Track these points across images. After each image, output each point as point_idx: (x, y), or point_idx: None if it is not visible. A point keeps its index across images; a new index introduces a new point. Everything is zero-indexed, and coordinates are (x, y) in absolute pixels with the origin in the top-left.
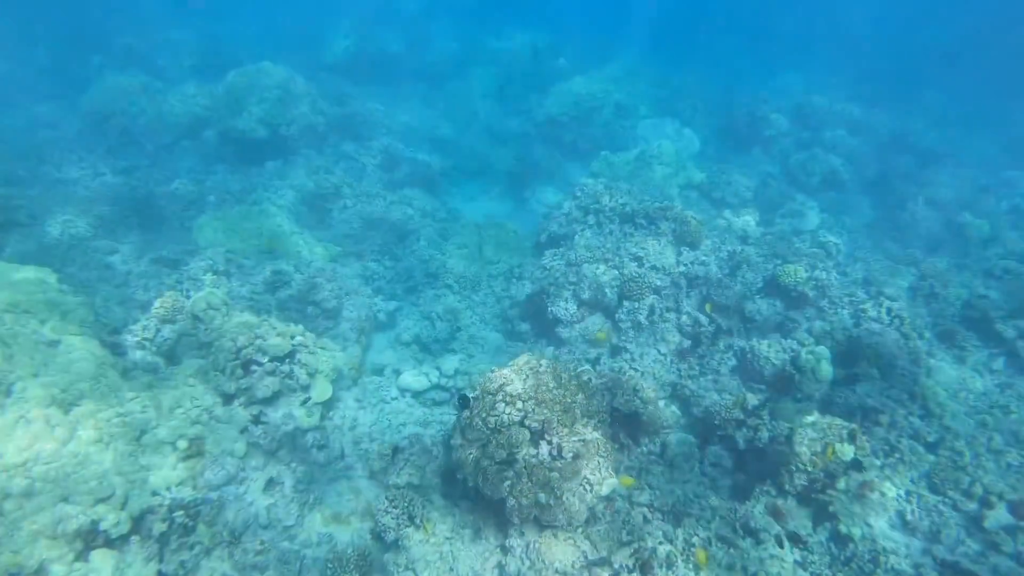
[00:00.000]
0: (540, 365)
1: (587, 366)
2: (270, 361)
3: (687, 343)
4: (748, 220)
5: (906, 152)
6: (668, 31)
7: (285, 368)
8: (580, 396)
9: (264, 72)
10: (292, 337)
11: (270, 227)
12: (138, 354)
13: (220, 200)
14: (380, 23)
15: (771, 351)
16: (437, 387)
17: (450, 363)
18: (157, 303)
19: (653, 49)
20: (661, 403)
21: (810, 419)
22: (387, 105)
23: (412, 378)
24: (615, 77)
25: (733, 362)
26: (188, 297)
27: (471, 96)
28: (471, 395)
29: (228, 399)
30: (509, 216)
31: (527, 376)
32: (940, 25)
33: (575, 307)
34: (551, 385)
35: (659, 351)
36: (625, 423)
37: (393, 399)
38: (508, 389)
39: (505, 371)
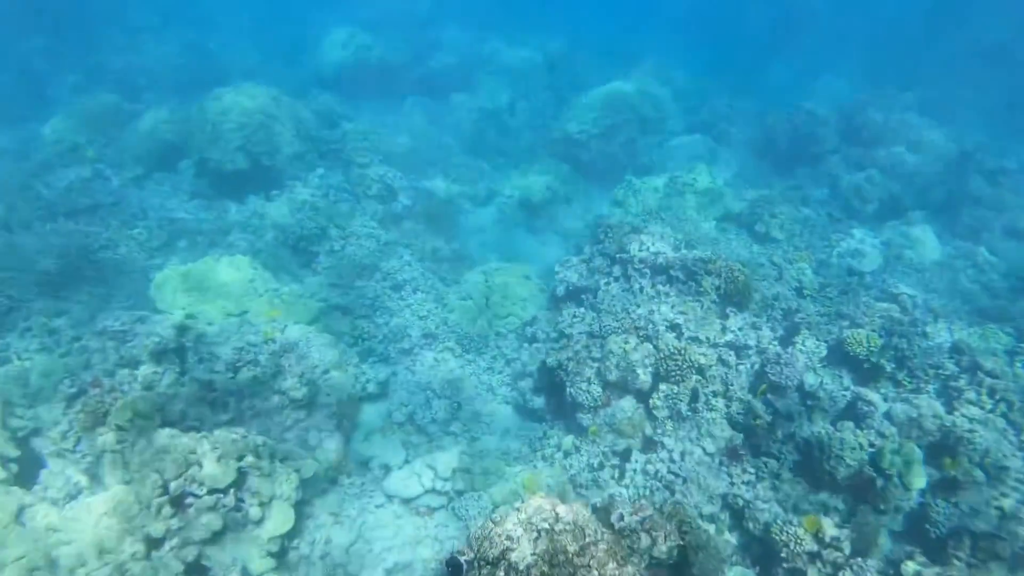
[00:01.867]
0: (556, 517)
1: (619, 492)
2: (210, 493)
3: (738, 437)
4: (803, 268)
5: (975, 172)
6: (693, 34)
7: (230, 500)
8: (611, 565)
9: (245, 94)
10: (240, 459)
11: (238, 282)
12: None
13: (191, 244)
14: (381, 29)
15: (844, 448)
16: (432, 491)
17: (447, 460)
18: (79, 404)
19: (677, 54)
20: (713, 528)
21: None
22: (386, 123)
23: (401, 482)
24: (638, 88)
25: (796, 457)
26: (123, 393)
27: (480, 111)
28: (463, 559)
29: (156, 543)
30: (521, 249)
31: (538, 536)
32: (987, 15)
33: (600, 389)
34: (571, 551)
35: (704, 449)
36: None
37: (378, 507)
38: (512, 557)
39: (509, 524)
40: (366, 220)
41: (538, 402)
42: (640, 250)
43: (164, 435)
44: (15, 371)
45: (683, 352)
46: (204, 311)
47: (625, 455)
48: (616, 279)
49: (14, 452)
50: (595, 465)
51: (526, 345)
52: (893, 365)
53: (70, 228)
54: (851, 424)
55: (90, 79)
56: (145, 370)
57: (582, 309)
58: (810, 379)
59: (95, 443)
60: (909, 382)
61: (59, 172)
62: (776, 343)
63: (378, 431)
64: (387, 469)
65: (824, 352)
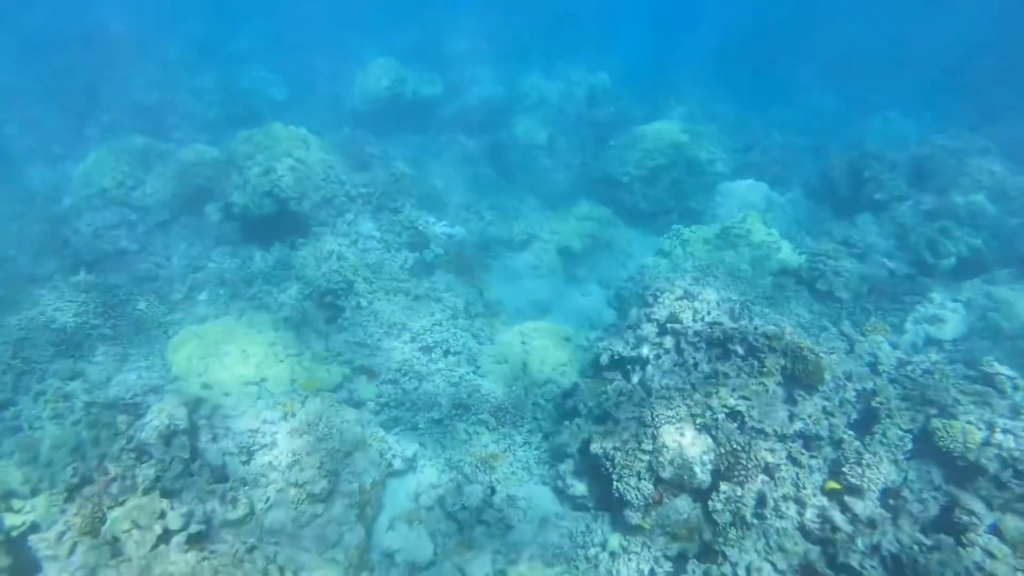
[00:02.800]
0: None
1: None
2: None
3: (815, 551)
4: (879, 340)
5: None
6: (736, 63)
7: None
8: None
9: (273, 135)
10: None
11: (258, 346)
12: None
13: (212, 297)
14: (416, 61)
15: (946, 570)
16: None
17: (480, 566)
18: (76, 505)
19: (721, 85)
20: None
21: None
22: (419, 162)
23: None
24: (684, 127)
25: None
26: (126, 486)
27: (517, 148)
28: None
29: None
30: (560, 300)
31: None
32: None
33: (651, 487)
34: None
35: (775, 567)
36: None
37: None
38: None
39: None
40: (395, 271)
41: (580, 488)
42: (695, 320)
43: (162, 551)
44: (25, 442)
45: (747, 448)
46: (221, 379)
47: (680, 562)
48: (667, 351)
49: (5, 560)
50: (646, 573)
51: (567, 423)
52: (996, 465)
53: (91, 282)
54: (950, 540)
55: (124, 116)
56: (147, 469)
57: (629, 385)
58: (894, 477)
59: (89, 558)
60: (1019, 486)
61: (86, 216)
62: (852, 434)
63: (404, 518)
64: (413, 567)
65: (909, 445)
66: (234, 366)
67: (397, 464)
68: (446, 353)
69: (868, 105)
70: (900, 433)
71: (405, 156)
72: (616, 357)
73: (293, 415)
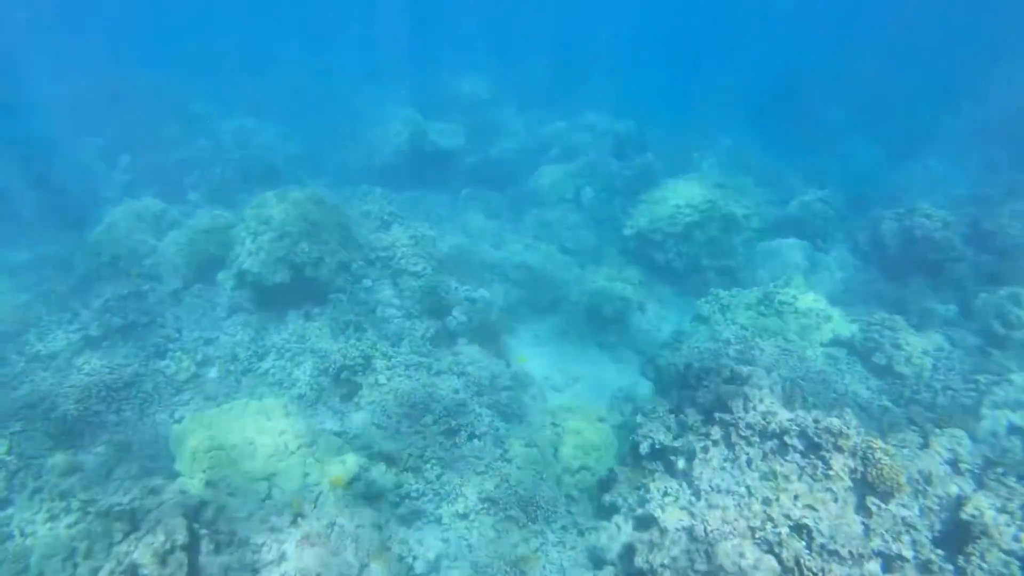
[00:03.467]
0: None
1: None
2: None
3: None
4: (958, 435)
5: None
6: (767, 107)
7: None
8: None
9: (288, 200)
10: None
11: (267, 436)
12: None
13: (223, 374)
14: (436, 110)
15: None
16: None
17: None
18: None
19: (751, 131)
20: None
21: None
22: (441, 219)
23: None
24: (719, 181)
25: None
26: None
27: (541, 203)
28: None
29: None
30: (591, 368)
31: None
32: None
33: None
34: None
35: None
36: None
37: None
38: None
39: None
40: (416, 342)
41: None
42: (746, 410)
43: None
44: (13, 552)
45: (817, 573)
46: (226, 476)
47: None
48: (715, 443)
49: None
50: None
51: (605, 522)
52: None
53: (96, 366)
54: None
55: (142, 177)
56: None
57: (675, 483)
58: None
59: None
60: None
61: (97, 287)
62: (941, 554)
63: None
64: None
65: (1016, 570)
66: (241, 460)
67: (419, 568)
68: (471, 437)
69: (905, 151)
70: (1003, 558)
71: (427, 212)
72: (657, 447)
73: (303, 516)
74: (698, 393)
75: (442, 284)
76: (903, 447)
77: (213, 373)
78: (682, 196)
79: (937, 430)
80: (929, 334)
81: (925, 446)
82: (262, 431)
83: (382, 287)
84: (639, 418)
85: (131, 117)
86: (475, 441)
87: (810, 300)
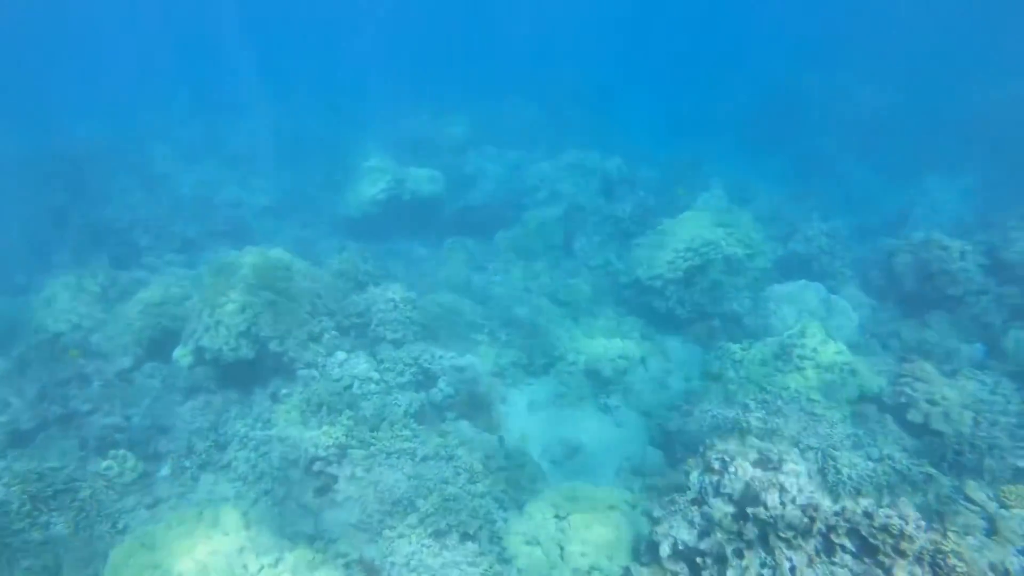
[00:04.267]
0: None
1: None
2: None
3: None
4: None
5: None
6: (757, 134)
7: None
8: None
9: (248, 265)
10: None
11: (221, 557)
12: None
13: (176, 470)
14: (414, 153)
15: None
16: None
17: None
18: None
19: (746, 159)
20: None
21: None
22: (423, 274)
23: None
24: (718, 219)
25: None
26: None
27: (528, 252)
28: None
29: None
30: (593, 436)
31: None
32: None
33: None
34: None
35: None
36: None
37: None
38: None
39: None
40: (398, 424)
41: None
42: (781, 502)
43: None
44: None
45: None
46: None
47: None
48: (749, 544)
49: None
50: None
51: None
52: None
53: (21, 471)
54: None
55: (94, 240)
56: None
57: None
58: None
59: None
60: None
61: (35, 370)
62: None
63: None
64: None
65: None
66: None
67: None
68: (463, 538)
69: (902, 173)
70: None
71: (407, 265)
72: (681, 547)
73: None
74: (723, 480)
75: (425, 353)
76: (967, 534)
77: (165, 470)
78: (680, 239)
79: (1004, 511)
80: (962, 382)
81: (993, 532)
82: (217, 551)
83: (358, 360)
84: (656, 511)
85: (86, 175)
86: (469, 544)
87: (831, 353)
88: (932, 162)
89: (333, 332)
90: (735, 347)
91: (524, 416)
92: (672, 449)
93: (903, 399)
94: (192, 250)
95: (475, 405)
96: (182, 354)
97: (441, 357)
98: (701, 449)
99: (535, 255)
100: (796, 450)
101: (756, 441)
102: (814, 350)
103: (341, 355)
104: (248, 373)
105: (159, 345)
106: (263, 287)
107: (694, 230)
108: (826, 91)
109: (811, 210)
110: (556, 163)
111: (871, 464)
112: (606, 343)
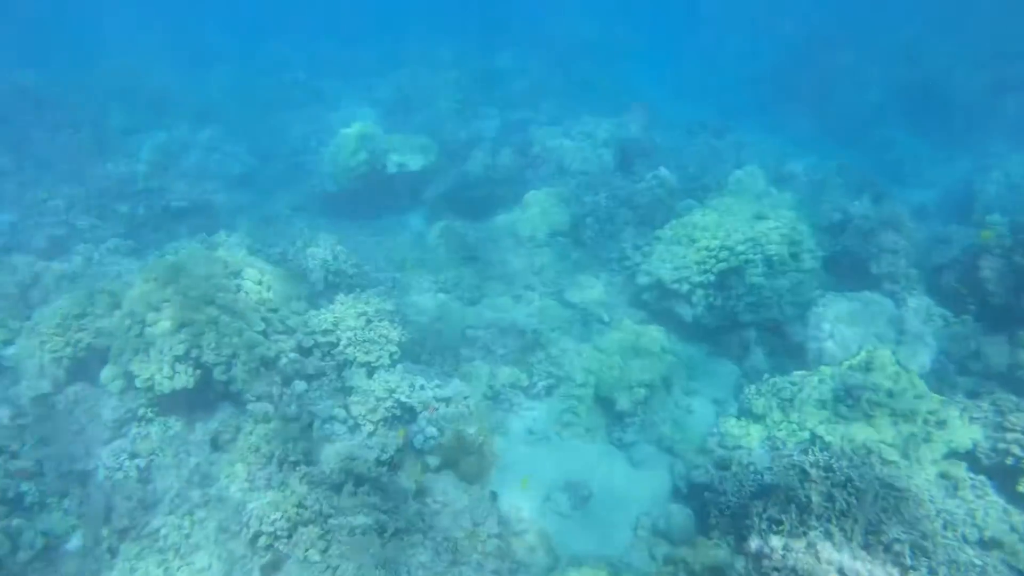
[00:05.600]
0: None
1: None
2: None
3: None
4: None
5: None
6: (789, 91)
7: None
8: None
9: (188, 271)
10: None
11: None
12: None
13: (89, 544)
14: (404, 114)
15: None
16: None
17: None
18: None
19: (777, 122)
20: None
21: None
22: (404, 264)
23: None
24: (756, 211)
25: None
26: None
27: (532, 239)
28: None
29: None
30: (604, 480)
31: None
32: None
33: None
34: None
35: None
36: None
37: None
38: None
39: None
40: (365, 484)
41: None
42: None
43: None
44: None
45: None
46: None
47: None
48: None
49: None
50: None
51: None
52: None
53: None
54: None
55: (23, 219)
56: None
57: None
58: None
59: None
60: None
61: None
62: None
63: None
64: None
65: None
66: None
67: None
68: None
69: (955, 140)
70: None
71: (388, 256)
72: None
73: None
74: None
75: (403, 384)
76: None
77: (76, 541)
78: (713, 234)
79: None
80: None
81: None
82: None
83: (322, 394)
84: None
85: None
86: None
87: (911, 396)
88: (998, 126)
89: (292, 355)
90: (783, 381)
91: (524, 452)
92: (703, 510)
93: (1008, 462)
94: (142, 233)
95: (463, 448)
96: (110, 376)
97: (423, 387)
98: (748, 537)
99: (538, 243)
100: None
101: (822, 538)
102: (889, 392)
103: (300, 385)
104: (189, 404)
105: (85, 365)
106: (205, 300)
107: (730, 223)
108: (863, 34)
109: (859, 188)
110: (564, 130)
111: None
112: (622, 366)
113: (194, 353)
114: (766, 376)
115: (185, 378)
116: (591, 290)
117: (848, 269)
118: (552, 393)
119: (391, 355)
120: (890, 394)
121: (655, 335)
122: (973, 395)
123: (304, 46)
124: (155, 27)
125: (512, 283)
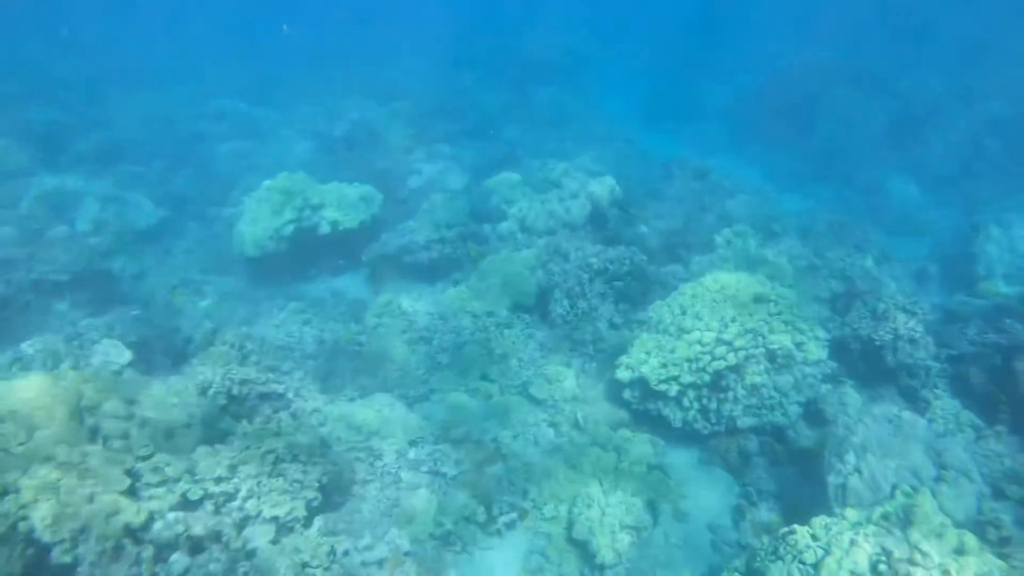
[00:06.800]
0: None
1: None
2: None
3: None
4: None
5: None
6: (766, 127)
7: None
8: None
9: (16, 400)
10: None
11: None
12: None
13: None
14: (345, 153)
15: None
16: None
17: None
18: None
19: (754, 161)
20: None
21: None
22: (331, 373)
23: None
24: (751, 282)
25: None
26: None
27: (492, 317)
28: None
29: None
30: None
31: None
32: None
33: None
34: None
35: None
36: None
37: None
38: None
39: None
40: None
41: None
42: None
43: None
44: None
45: None
46: None
47: None
48: None
49: None
50: None
51: None
52: None
53: None
54: None
55: None
56: None
57: None
58: None
59: None
60: None
61: None
62: None
63: None
64: None
65: None
66: None
67: None
68: None
69: (940, 179)
70: None
71: (319, 338)
72: None
73: None
74: None
75: (320, 550)
76: None
77: None
78: (707, 324)
79: None
80: None
81: None
82: None
83: (216, 564)
84: None
85: None
86: None
87: (971, 570)
88: (983, 168)
89: (170, 520)
90: (804, 538)
91: None
92: None
93: None
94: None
95: None
96: None
97: (347, 554)
98: None
99: (498, 322)
100: None
101: None
102: (943, 570)
103: (180, 564)
104: None
105: None
106: (40, 455)
107: (725, 309)
108: (851, 67)
109: (858, 247)
110: (526, 178)
111: None
112: (602, 500)
113: (21, 525)
114: (785, 533)
115: (13, 568)
116: (561, 383)
117: (858, 357)
118: (514, 527)
119: (308, 504)
120: (943, 570)
121: (642, 451)
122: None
123: (246, 66)
124: (81, 47)
125: (467, 373)
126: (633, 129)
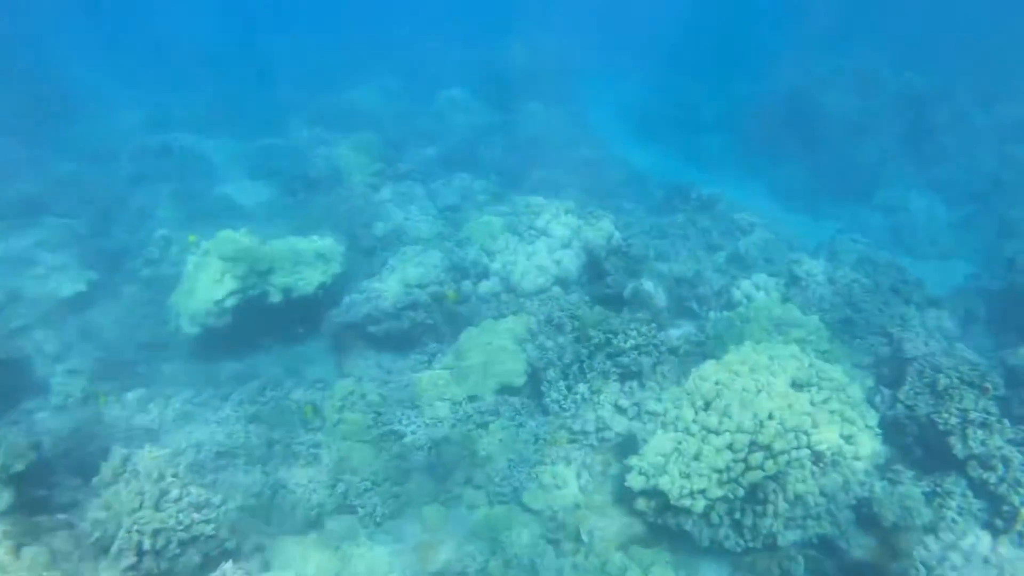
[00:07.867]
0: None
1: None
2: None
3: None
4: None
5: None
6: (770, 138)
7: None
8: None
9: None
10: None
11: None
12: None
13: None
14: (304, 195)
15: None
16: None
17: None
18: None
19: (759, 177)
20: None
21: None
22: (288, 460)
23: None
24: (786, 355)
25: None
26: None
27: (471, 403)
28: None
29: None
30: None
31: None
32: None
33: None
34: None
35: None
36: None
37: None
38: None
39: None
40: None
41: None
42: None
43: None
44: None
45: None
46: None
47: None
48: None
49: None
50: None
51: None
52: None
53: None
54: None
55: None
56: None
57: None
58: None
59: None
60: None
61: None
62: None
63: None
64: None
65: None
66: None
67: None
68: None
69: (964, 192)
70: None
71: (268, 439)
72: None
73: None
74: None
75: None
76: None
77: None
78: (739, 420)
79: None
80: None
81: None
82: None
83: None
84: None
85: None
86: None
87: None
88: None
89: None
90: None
91: None
92: None
93: None
94: None
95: None
96: None
97: None
98: None
99: (482, 410)
100: None
101: None
102: None
103: None
104: None
105: None
106: None
107: (759, 402)
108: (853, 80)
109: (893, 290)
110: (510, 223)
111: None
112: None
113: None
114: None
115: None
116: (561, 489)
117: (916, 442)
118: None
119: None
120: None
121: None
122: None
123: (199, 89)
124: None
125: (446, 479)
126: (628, 144)
